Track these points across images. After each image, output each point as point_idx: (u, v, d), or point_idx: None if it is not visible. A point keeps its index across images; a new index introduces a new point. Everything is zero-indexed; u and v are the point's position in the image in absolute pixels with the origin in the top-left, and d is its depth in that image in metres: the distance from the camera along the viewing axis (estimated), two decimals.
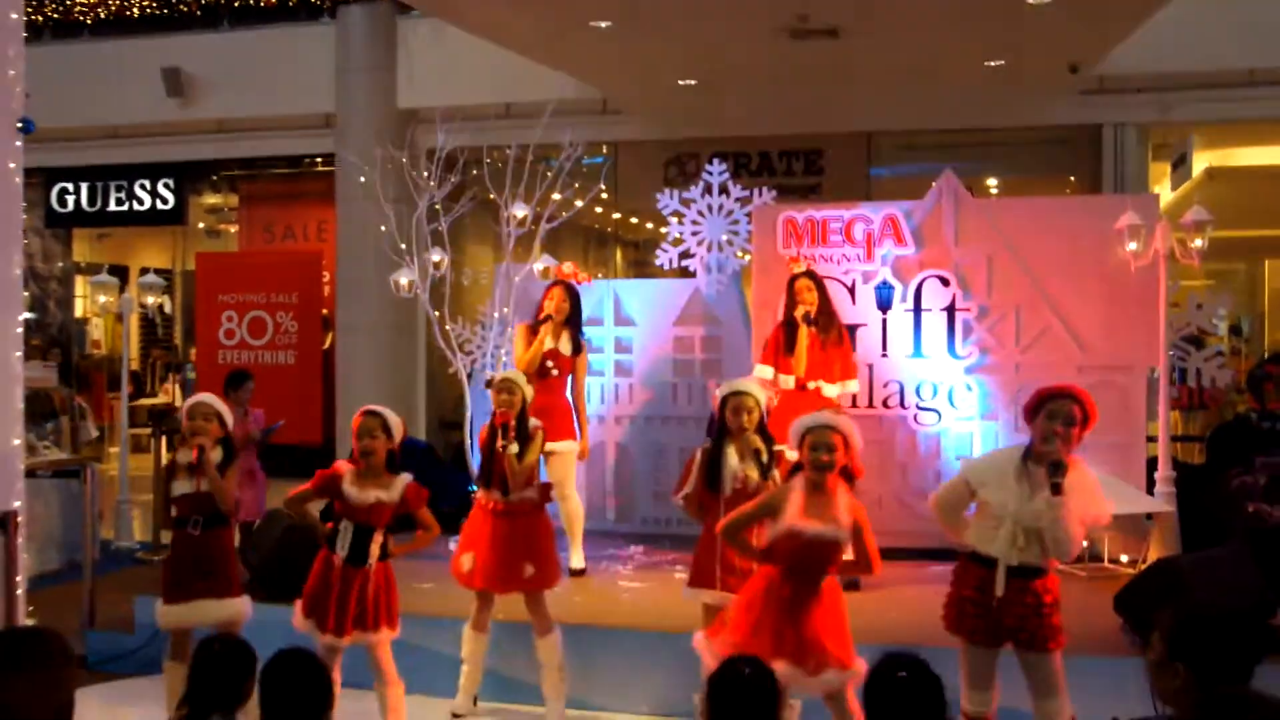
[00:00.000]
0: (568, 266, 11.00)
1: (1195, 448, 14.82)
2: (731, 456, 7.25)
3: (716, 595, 7.32)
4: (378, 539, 7.20)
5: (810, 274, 10.15)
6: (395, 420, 7.33)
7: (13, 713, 3.08)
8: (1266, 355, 19.36)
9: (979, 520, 6.29)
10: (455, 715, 8.19)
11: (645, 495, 12.27)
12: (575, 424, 10.40)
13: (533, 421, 8.12)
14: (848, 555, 6.50)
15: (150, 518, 12.91)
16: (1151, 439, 10.67)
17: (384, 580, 7.25)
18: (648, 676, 8.38)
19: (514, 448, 7.89)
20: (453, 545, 10.72)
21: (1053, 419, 6.13)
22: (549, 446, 9.62)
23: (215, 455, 7.31)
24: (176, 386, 20.37)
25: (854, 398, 10.49)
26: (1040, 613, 6.11)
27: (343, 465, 7.33)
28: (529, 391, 8.20)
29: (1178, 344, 10.52)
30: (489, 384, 8.37)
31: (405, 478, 7.29)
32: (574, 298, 10.45)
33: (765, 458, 7.25)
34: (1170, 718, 3.77)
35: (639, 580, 10.22)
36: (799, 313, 9.92)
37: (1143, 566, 9.70)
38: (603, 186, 12.92)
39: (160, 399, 20.22)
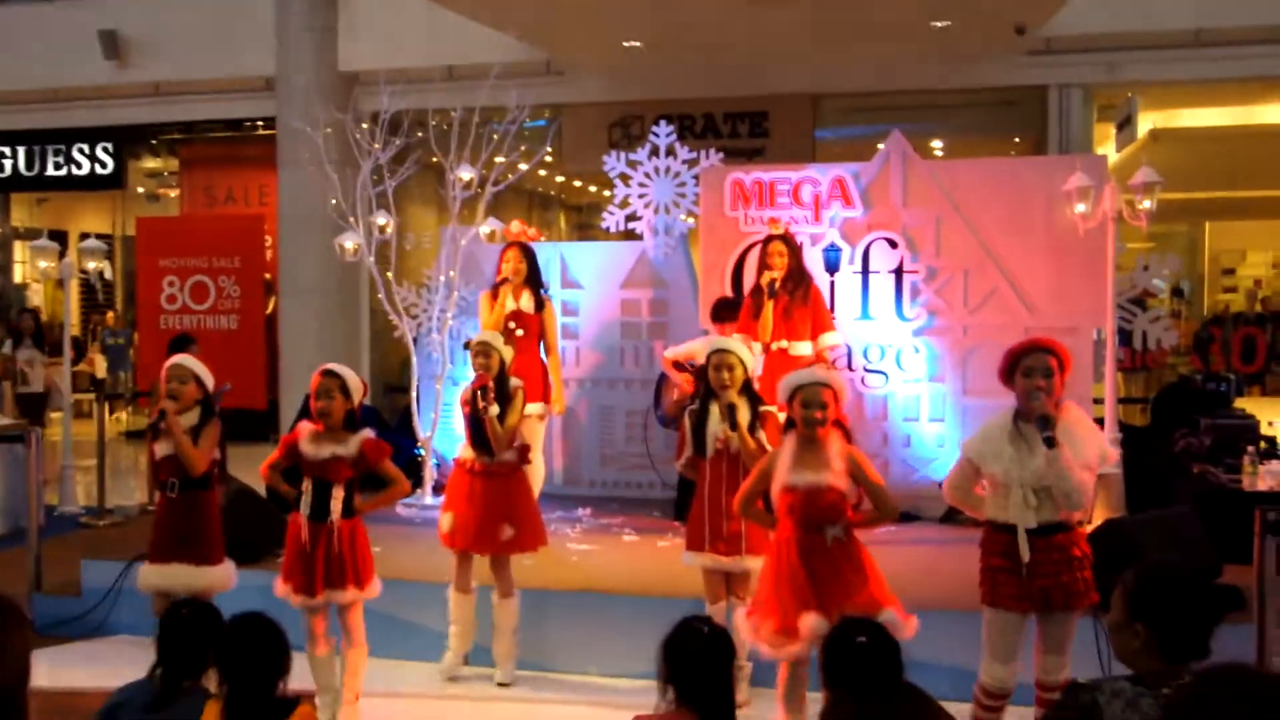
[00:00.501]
0: (515, 226, 10.87)
1: (1136, 409, 14.92)
2: (714, 417, 7.22)
3: (707, 558, 7.35)
4: (337, 494, 7.10)
5: (784, 237, 10.10)
6: (354, 381, 7.26)
7: None
8: (1208, 317, 19.55)
9: (991, 492, 6.26)
10: (448, 679, 8.16)
11: (593, 458, 12.24)
12: (546, 384, 10.33)
13: (513, 381, 8.12)
14: (864, 505, 6.49)
15: (94, 483, 12.82)
16: (1096, 401, 10.69)
17: (349, 538, 7.14)
18: (597, 638, 8.38)
19: (494, 409, 7.87)
20: (400, 509, 10.75)
21: (1031, 375, 6.10)
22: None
23: (190, 418, 7.23)
24: (98, 355, 20.14)
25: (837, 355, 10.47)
26: (1070, 567, 6.08)
27: (304, 427, 7.28)
28: (507, 353, 8.17)
29: (1123, 306, 10.53)
30: (467, 345, 8.31)
31: (364, 433, 7.20)
32: (529, 256, 10.39)
33: (747, 415, 7.16)
34: (1128, 677, 3.75)
35: (587, 543, 10.17)
36: (764, 280, 9.91)
37: (1089, 528, 9.72)
38: (549, 149, 12.83)
39: (82, 367, 19.96)
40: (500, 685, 8.07)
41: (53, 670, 8.11)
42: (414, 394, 11.64)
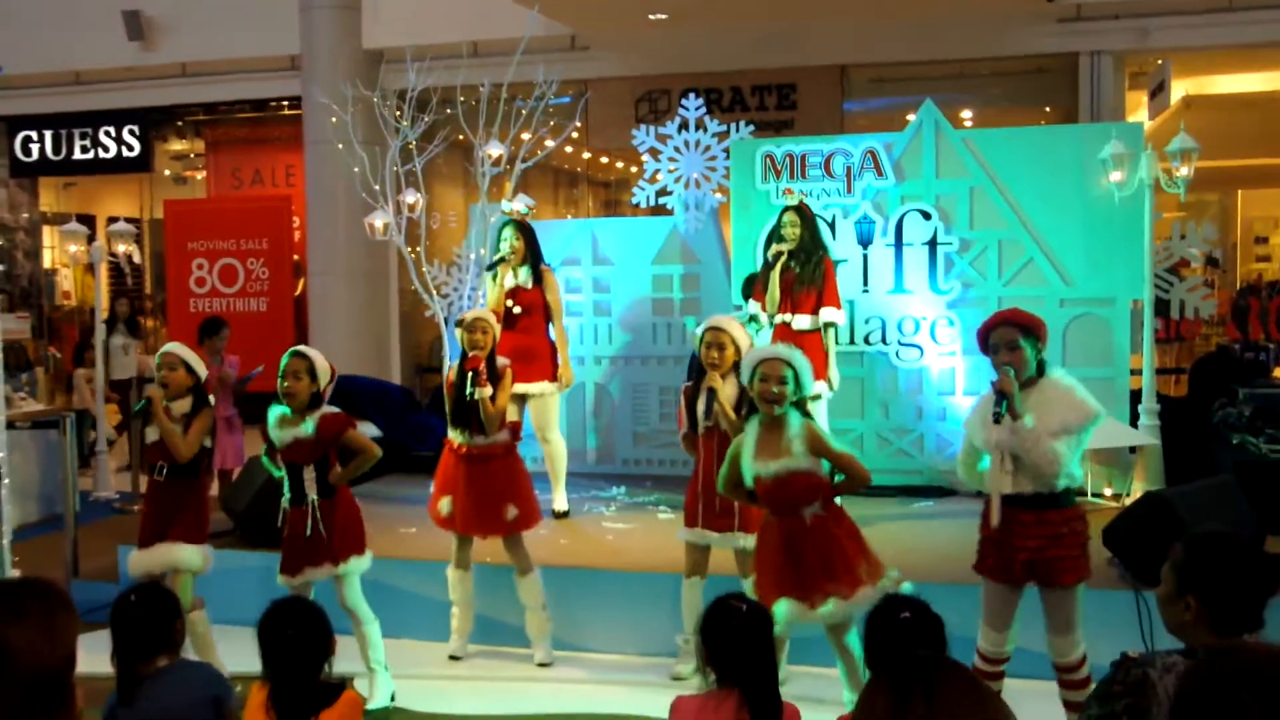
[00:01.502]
0: (507, 204, 10.73)
1: (1170, 380, 14.82)
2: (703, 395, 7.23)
3: (697, 534, 7.42)
4: (309, 475, 7.18)
5: (798, 209, 9.94)
6: (323, 363, 7.28)
7: (21, 661, 2.99)
8: (1242, 285, 19.40)
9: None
10: (453, 658, 8.18)
11: (625, 436, 12.18)
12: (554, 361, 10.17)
13: (501, 360, 8.08)
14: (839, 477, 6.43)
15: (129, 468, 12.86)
16: (1134, 372, 10.59)
17: (329, 516, 7.20)
18: (632, 617, 8.35)
19: (487, 391, 7.82)
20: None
21: (996, 351, 6.15)
22: (532, 389, 9.55)
23: (183, 405, 7.26)
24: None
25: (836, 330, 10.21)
26: (1059, 544, 6.04)
27: (271, 412, 7.35)
28: (498, 330, 8.18)
29: (1160, 275, 10.43)
30: (460, 323, 8.24)
31: (320, 410, 7.20)
32: (525, 232, 10.17)
33: (733, 393, 7.14)
34: (1181, 650, 3.69)
35: (622, 521, 10.14)
36: (770, 252, 9.81)
37: (1128, 500, 9.66)
38: (577, 124, 12.73)
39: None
40: (540, 665, 8.06)
41: (92, 656, 8.01)
42: (445, 374, 11.59)
